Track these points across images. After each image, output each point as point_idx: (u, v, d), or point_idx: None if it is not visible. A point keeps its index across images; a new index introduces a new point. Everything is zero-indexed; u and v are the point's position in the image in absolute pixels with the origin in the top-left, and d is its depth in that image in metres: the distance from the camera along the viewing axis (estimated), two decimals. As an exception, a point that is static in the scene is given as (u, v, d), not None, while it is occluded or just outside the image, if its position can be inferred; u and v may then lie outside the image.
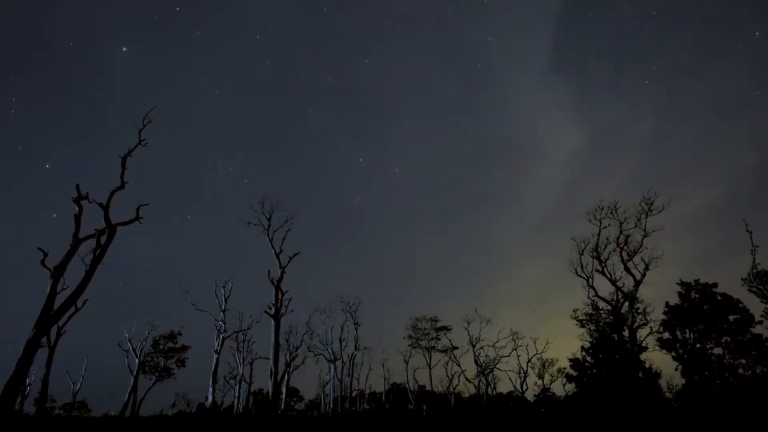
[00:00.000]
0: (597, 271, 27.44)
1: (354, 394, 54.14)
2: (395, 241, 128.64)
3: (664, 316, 30.67)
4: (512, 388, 50.59)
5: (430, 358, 51.66)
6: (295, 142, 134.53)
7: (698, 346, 28.81)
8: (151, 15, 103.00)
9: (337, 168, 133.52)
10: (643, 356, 28.73)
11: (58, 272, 16.29)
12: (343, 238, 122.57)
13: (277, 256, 28.56)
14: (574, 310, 34.00)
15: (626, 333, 26.46)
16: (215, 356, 35.30)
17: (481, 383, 48.94)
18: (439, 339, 52.14)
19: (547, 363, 48.26)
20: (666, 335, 30.16)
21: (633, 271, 26.51)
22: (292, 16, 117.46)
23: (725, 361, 27.99)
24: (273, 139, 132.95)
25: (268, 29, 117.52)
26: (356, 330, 49.50)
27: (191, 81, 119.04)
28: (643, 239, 26.53)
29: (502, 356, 47.60)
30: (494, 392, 52.61)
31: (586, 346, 32.11)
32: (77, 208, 17.03)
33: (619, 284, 27.00)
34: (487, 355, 48.12)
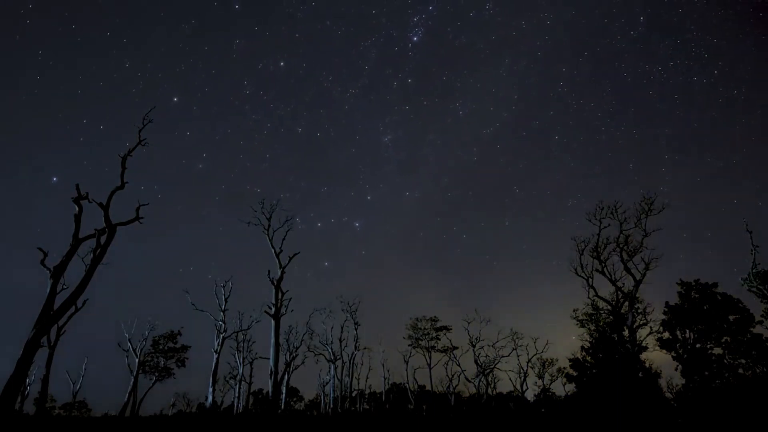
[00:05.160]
0: (597, 271, 27.43)
1: (354, 394, 54.16)
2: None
3: (664, 316, 30.72)
4: (512, 388, 50.75)
5: (430, 358, 51.71)
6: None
7: (698, 346, 28.83)
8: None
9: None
10: (643, 356, 28.78)
11: (58, 272, 16.26)
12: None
13: (277, 256, 28.51)
14: (574, 310, 34.09)
15: (626, 333, 26.46)
16: (215, 356, 35.30)
17: (481, 383, 48.97)
18: (439, 339, 52.21)
19: (547, 363, 48.41)
20: (666, 335, 30.21)
21: (633, 271, 26.50)
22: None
23: (725, 361, 28.01)
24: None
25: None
26: (356, 330, 49.52)
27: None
28: (643, 239, 26.54)
29: (502, 356, 47.70)
30: (494, 392, 52.74)
31: (586, 346, 32.24)
32: (77, 208, 17.01)
33: (619, 284, 27.00)
34: (487, 355, 48.24)
